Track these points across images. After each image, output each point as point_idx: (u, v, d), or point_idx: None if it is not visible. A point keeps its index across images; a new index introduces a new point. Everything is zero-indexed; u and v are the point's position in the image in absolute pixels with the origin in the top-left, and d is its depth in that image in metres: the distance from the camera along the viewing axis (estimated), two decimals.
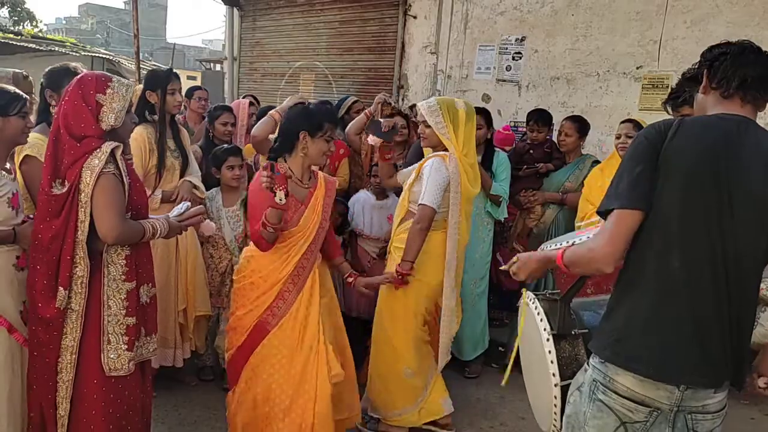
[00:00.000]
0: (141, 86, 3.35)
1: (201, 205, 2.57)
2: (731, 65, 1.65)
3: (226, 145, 3.82)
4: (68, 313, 2.21)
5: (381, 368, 3.23)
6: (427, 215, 2.98)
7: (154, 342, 2.47)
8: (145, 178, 3.16)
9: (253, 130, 3.27)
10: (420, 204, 3.00)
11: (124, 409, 2.33)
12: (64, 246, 2.17)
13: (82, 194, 2.15)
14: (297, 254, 2.72)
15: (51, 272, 2.18)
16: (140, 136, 3.20)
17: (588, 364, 1.75)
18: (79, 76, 2.29)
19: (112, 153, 2.20)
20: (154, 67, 10.51)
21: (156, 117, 3.29)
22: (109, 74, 2.34)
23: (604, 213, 1.66)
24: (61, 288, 2.17)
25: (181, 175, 3.39)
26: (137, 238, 2.28)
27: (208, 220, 2.63)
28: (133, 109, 2.42)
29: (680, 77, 1.94)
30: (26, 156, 2.58)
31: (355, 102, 4.90)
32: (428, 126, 3.11)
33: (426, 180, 3.01)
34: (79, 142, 2.17)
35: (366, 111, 4.20)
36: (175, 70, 3.41)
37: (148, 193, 2.91)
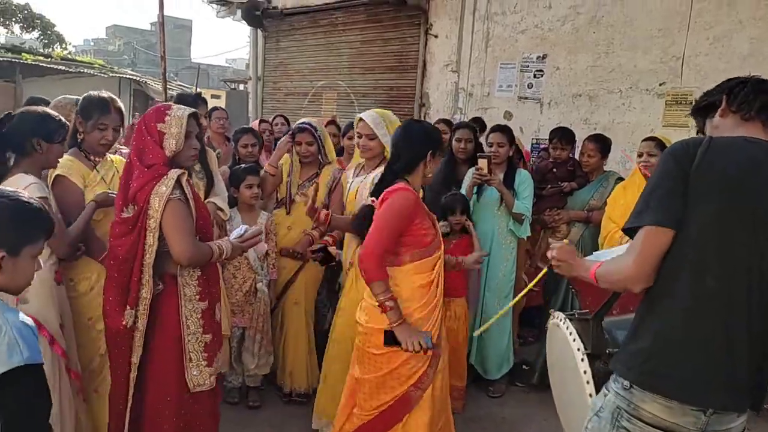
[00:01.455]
0: None
1: (259, 227, 2.64)
2: (752, 91, 1.66)
3: (243, 165, 3.87)
4: (135, 332, 2.31)
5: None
6: None
7: (222, 358, 2.60)
8: None
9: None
10: None
11: (205, 420, 2.44)
12: (133, 267, 2.27)
13: (151, 220, 2.24)
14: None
15: (120, 289, 2.29)
16: None
17: (607, 387, 1.72)
18: (145, 114, 2.43)
19: (178, 179, 2.29)
20: (181, 91, 10.70)
21: None
22: (167, 104, 2.45)
23: (631, 230, 1.66)
24: (128, 307, 2.27)
25: (206, 196, 3.44)
26: (207, 260, 2.36)
27: (262, 242, 2.70)
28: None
29: (695, 105, 1.94)
30: (57, 176, 2.67)
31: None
32: (373, 138, 3.17)
33: None
34: (147, 168, 2.28)
35: None
36: (200, 92, 3.48)
37: None
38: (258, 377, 3.72)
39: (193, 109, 2.42)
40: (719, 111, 1.73)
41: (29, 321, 1.51)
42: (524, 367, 4.25)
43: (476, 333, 3.46)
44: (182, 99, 3.45)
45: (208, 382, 2.38)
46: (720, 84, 1.77)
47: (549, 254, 1.93)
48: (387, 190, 2.51)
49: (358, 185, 3.31)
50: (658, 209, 1.58)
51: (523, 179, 4.02)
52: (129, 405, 2.33)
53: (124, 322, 2.26)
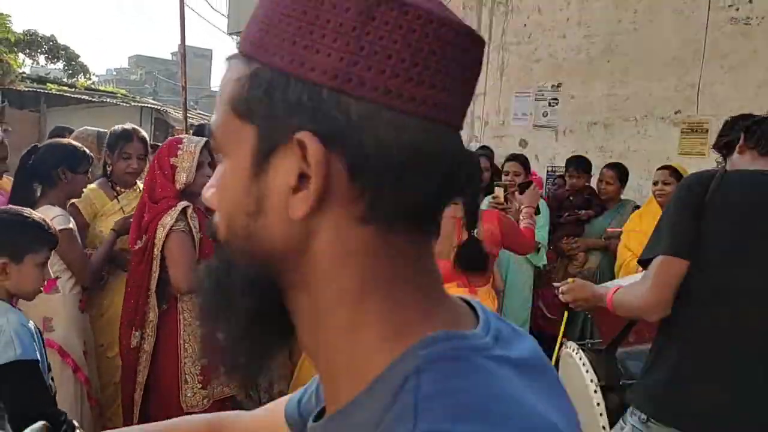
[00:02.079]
0: None
1: None
2: None
3: None
4: (141, 353, 2.41)
5: None
6: None
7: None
8: None
9: None
10: None
11: None
12: (141, 293, 2.40)
13: (156, 249, 2.36)
14: None
15: (131, 313, 2.44)
16: None
17: (624, 420, 1.72)
18: (160, 148, 2.56)
19: (184, 211, 2.39)
20: (201, 120, 10.88)
21: None
22: (180, 137, 2.59)
23: (645, 261, 1.67)
24: (136, 330, 2.40)
25: None
26: None
27: None
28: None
29: (715, 143, 2.01)
30: (71, 204, 2.75)
31: None
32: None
33: None
34: (157, 203, 2.40)
35: None
36: None
37: None
38: (276, 396, 3.72)
39: (205, 139, 2.51)
40: (738, 148, 1.78)
41: (30, 324, 1.74)
42: None
43: None
44: (202, 129, 3.53)
45: (201, 404, 2.43)
46: (736, 120, 1.85)
47: (562, 298, 1.95)
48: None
49: None
50: (672, 240, 1.60)
51: (539, 208, 4.03)
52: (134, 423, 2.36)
53: (130, 344, 2.39)
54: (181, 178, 2.41)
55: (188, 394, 2.41)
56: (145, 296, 2.40)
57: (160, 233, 2.35)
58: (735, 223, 1.57)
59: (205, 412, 2.39)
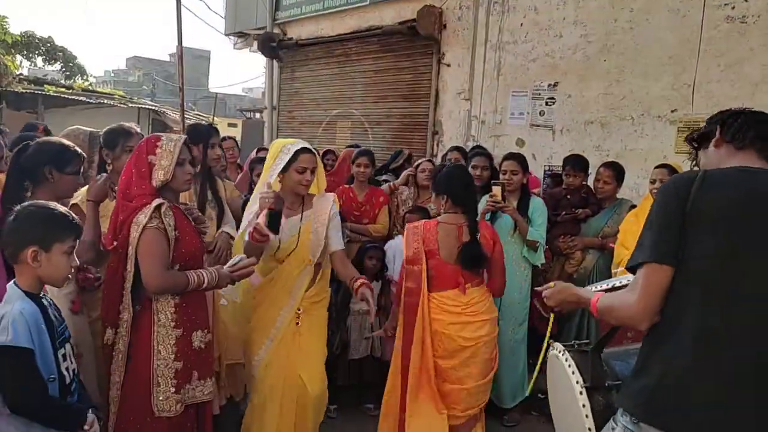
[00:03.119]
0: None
1: (254, 257, 2.67)
2: (746, 121, 1.69)
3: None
4: (115, 352, 2.39)
5: None
6: None
7: (210, 385, 2.55)
8: None
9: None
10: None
11: None
12: (114, 292, 2.39)
13: (130, 248, 2.34)
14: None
15: (105, 310, 2.44)
16: None
17: (615, 421, 1.71)
18: (139, 144, 2.49)
19: (158, 208, 2.34)
20: (196, 122, 10.90)
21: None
22: (159, 135, 2.50)
23: (633, 268, 1.66)
24: (109, 328, 2.40)
25: (218, 225, 3.49)
26: (181, 288, 2.38)
27: (255, 273, 2.73)
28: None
29: (688, 135, 1.96)
30: (72, 205, 2.71)
31: (411, 156, 5.59)
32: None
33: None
34: (132, 201, 2.36)
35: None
36: (215, 124, 3.56)
37: None
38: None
39: (184, 137, 2.49)
40: (714, 141, 1.75)
41: (31, 312, 1.86)
42: (540, 396, 4.20)
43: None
44: (195, 129, 3.53)
45: (174, 408, 2.38)
46: (712, 116, 1.79)
47: (547, 302, 1.95)
48: None
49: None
50: (655, 247, 1.59)
51: (537, 206, 4.03)
52: (110, 423, 2.38)
53: (104, 341, 2.40)
54: (159, 176, 2.38)
55: (160, 398, 2.36)
56: (119, 295, 2.38)
57: (134, 232, 2.33)
58: (721, 226, 1.54)
59: (177, 417, 2.39)
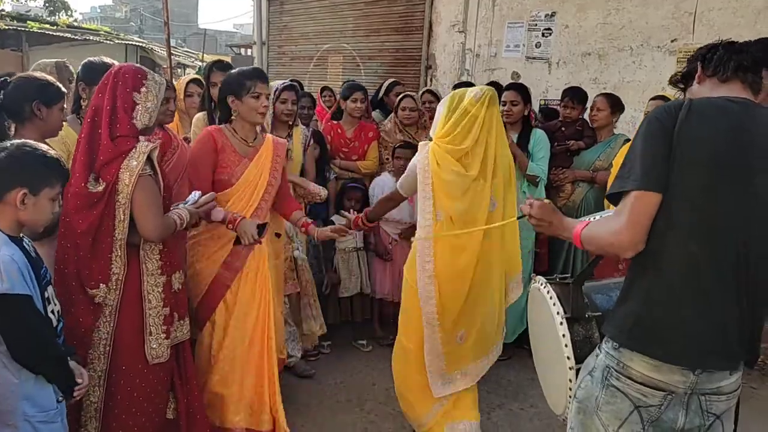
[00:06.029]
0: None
1: (212, 192, 2.63)
2: (725, 53, 1.68)
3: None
4: (103, 308, 2.26)
5: (397, 370, 3.13)
6: (392, 195, 3.08)
7: (187, 324, 2.57)
8: None
9: None
10: None
11: (159, 390, 2.43)
12: (98, 243, 2.21)
13: (121, 195, 2.19)
14: (246, 210, 2.81)
15: (81, 265, 2.21)
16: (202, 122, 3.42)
17: (600, 348, 1.74)
18: (115, 70, 2.31)
19: (150, 155, 2.25)
20: (188, 58, 10.58)
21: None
22: (144, 69, 2.36)
23: (616, 195, 1.63)
24: (102, 284, 2.23)
25: None
26: (171, 232, 2.35)
27: (217, 207, 2.70)
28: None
29: (671, 77, 1.93)
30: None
31: (395, 84, 5.16)
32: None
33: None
34: (113, 140, 2.21)
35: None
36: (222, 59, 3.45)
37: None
38: (315, 337, 3.87)
39: (166, 78, 2.39)
40: (696, 77, 1.74)
41: (19, 256, 1.77)
42: None
43: None
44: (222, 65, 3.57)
45: (165, 354, 2.39)
46: (693, 54, 1.78)
47: (525, 210, 1.88)
48: None
49: None
50: (644, 173, 1.56)
51: (539, 140, 3.93)
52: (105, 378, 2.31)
53: (97, 300, 2.23)
54: (143, 119, 2.26)
55: (153, 346, 2.34)
56: (110, 246, 2.21)
57: (126, 178, 2.18)
58: (707, 155, 1.53)
59: (167, 360, 2.40)
